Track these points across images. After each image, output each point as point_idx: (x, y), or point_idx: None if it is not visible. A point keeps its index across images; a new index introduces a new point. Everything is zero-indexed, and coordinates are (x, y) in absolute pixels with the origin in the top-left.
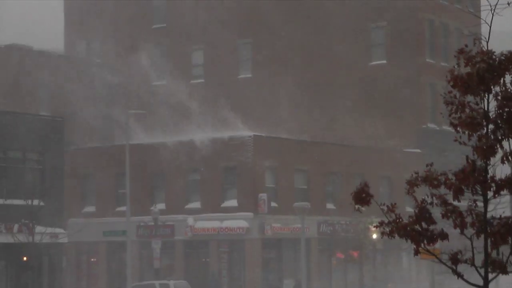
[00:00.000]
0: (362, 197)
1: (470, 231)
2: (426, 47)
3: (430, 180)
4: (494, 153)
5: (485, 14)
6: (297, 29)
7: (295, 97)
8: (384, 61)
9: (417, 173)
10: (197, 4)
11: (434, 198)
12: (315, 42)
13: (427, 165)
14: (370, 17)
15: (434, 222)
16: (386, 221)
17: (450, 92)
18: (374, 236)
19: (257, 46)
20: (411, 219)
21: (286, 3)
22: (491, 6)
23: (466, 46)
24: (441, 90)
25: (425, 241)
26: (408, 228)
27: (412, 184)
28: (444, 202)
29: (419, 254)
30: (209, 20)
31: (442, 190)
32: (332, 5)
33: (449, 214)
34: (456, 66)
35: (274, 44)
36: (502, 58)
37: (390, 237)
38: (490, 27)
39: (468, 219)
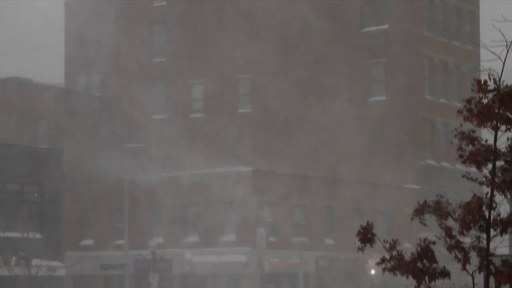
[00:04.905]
0: (367, 237)
1: (472, 267)
2: (425, 83)
3: (440, 210)
4: None
5: (496, 51)
6: (296, 65)
7: (294, 133)
8: (384, 98)
9: (424, 202)
10: (198, 39)
11: (441, 229)
12: (314, 78)
13: (437, 196)
14: (369, 54)
15: (435, 261)
16: (388, 257)
17: (461, 130)
18: (373, 271)
19: (257, 82)
20: (413, 257)
21: (284, 40)
22: (506, 42)
23: (479, 81)
24: (440, 127)
25: (427, 279)
26: (410, 265)
27: (419, 211)
28: (450, 236)
29: None
30: (210, 54)
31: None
32: (332, 41)
33: (452, 249)
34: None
35: (273, 79)
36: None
37: (392, 273)
38: (504, 63)
39: (471, 254)
